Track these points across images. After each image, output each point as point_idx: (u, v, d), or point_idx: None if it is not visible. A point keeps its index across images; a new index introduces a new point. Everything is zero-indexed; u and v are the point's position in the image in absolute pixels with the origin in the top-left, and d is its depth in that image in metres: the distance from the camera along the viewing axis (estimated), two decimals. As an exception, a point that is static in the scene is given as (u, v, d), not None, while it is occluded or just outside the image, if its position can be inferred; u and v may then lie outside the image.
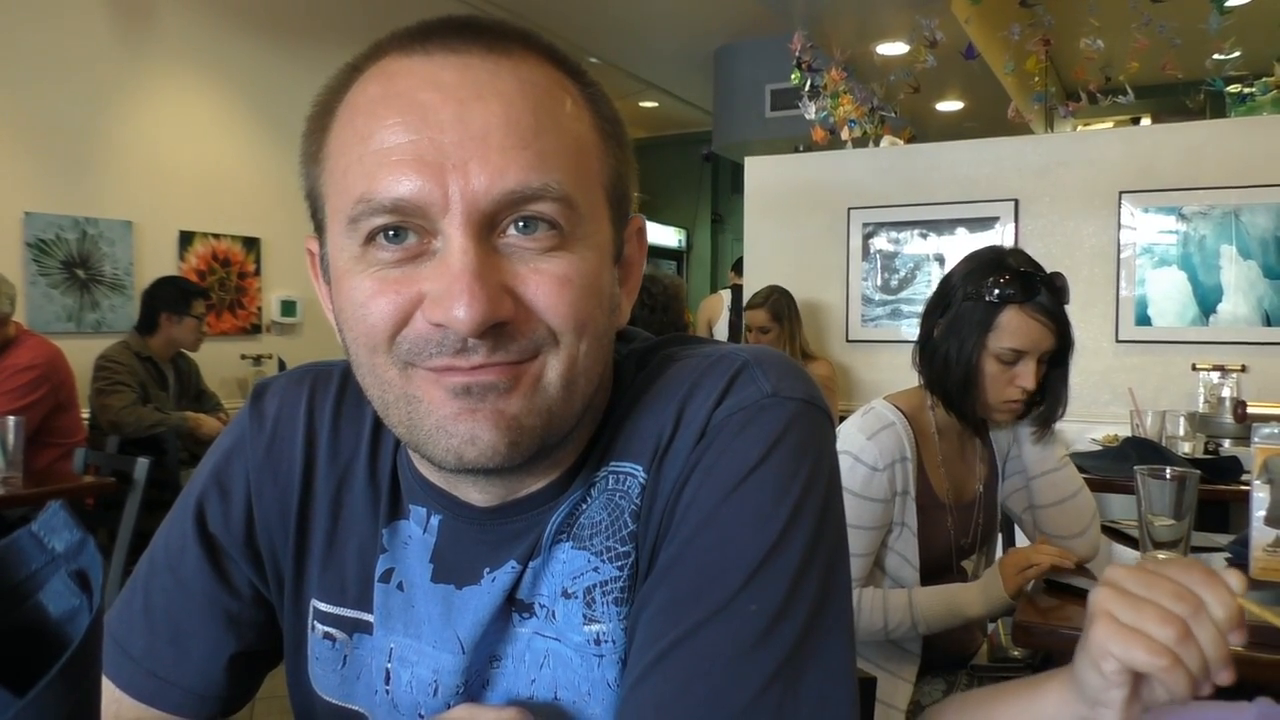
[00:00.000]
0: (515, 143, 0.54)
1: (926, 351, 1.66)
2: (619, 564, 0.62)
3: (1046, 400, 1.64)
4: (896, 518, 1.58)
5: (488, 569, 0.64)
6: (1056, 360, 1.62)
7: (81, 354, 3.56)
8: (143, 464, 2.53)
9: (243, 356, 4.80)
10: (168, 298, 3.62)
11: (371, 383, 0.59)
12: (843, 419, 1.71)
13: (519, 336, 0.55)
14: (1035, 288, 1.56)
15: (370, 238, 0.56)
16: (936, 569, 1.63)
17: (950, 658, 1.70)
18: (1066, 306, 1.60)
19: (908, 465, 1.57)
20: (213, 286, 4.57)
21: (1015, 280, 1.57)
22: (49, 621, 0.39)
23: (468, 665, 0.64)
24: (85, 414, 3.48)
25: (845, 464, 1.55)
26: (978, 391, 1.59)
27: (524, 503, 0.64)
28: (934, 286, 1.74)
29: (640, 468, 0.62)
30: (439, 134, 0.54)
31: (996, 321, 1.56)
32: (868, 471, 1.54)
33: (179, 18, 4.46)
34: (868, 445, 1.55)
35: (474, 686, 0.65)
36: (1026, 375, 1.56)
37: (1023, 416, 1.65)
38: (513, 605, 0.64)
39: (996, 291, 1.57)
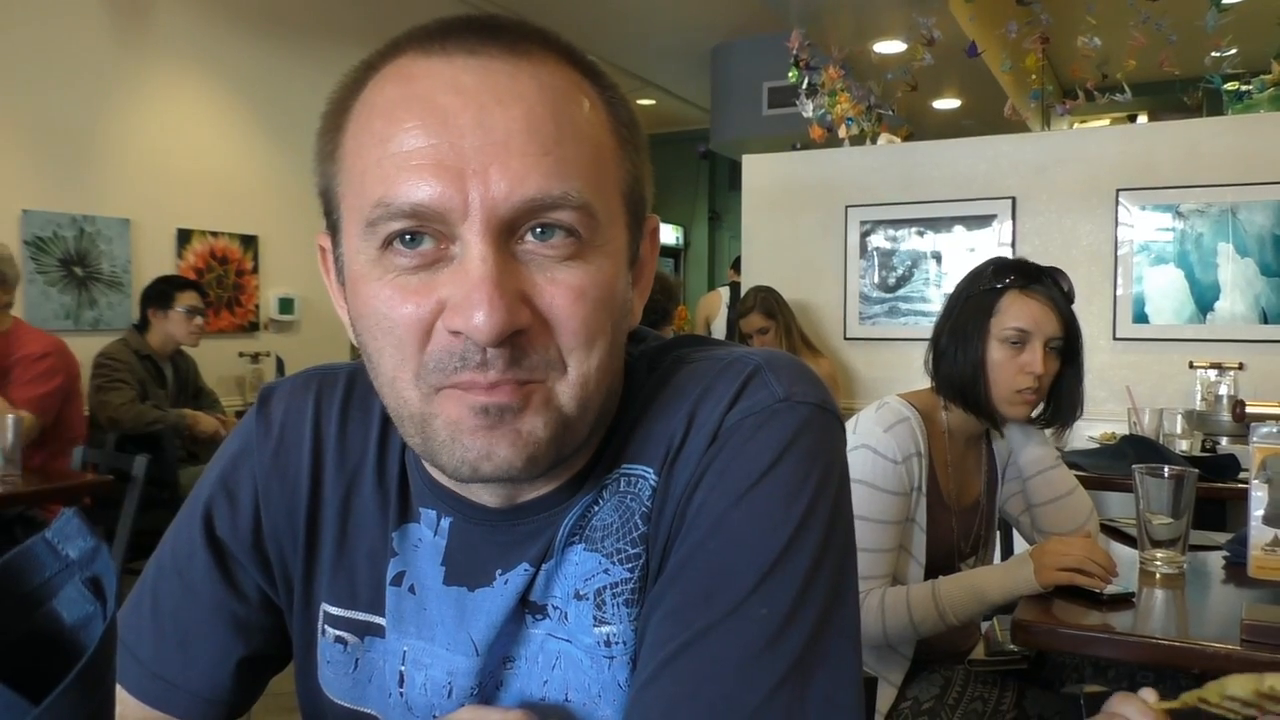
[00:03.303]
0: (536, 149, 0.54)
1: (936, 355, 1.68)
2: (629, 566, 0.62)
3: (1061, 399, 1.65)
4: (909, 514, 1.58)
5: (500, 571, 0.64)
6: (1067, 359, 1.63)
7: (79, 351, 3.54)
8: (141, 461, 2.51)
9: (241, 354, 4.79)
10: (152, 293, 3.65)
11: (389, 393, 0.58)
12: (846, 418, 1.71)
13: (534, 348, 0.55)
14: (1035, 275, 1.60)
15: (388, 242, 0.55)
16: (938, 570, 1.62)
17: (946, 653, 1.70)
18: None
19: (922, 461, 1.58)
20: (210, 284, 4.56)
21: (1016, 269, 1.61)
22: (63, 628, 0.39)
23: (481, 667, 0.64)
24: (84, 411, 3.47)
25: (865, 457, 1.54)
26: (987, 384, 1.59)
27: (535, 505, 0.64)
28: (931, 284, 1.78)
29: (651, 470, 0.62)
30: (459, 139, 0.53)
31: (998, 306, 1.60)
32: (887, 464, 1.53)
33: (177, 16, 4.44)
34: (885, 438, 1.55)
35: (488, 688, 0.65)
36: (1034, 360, 1.57)
37: (1039, 415, 1.66)
38: (525, 607, 0.64)
39: (997, 283, 1.61)
